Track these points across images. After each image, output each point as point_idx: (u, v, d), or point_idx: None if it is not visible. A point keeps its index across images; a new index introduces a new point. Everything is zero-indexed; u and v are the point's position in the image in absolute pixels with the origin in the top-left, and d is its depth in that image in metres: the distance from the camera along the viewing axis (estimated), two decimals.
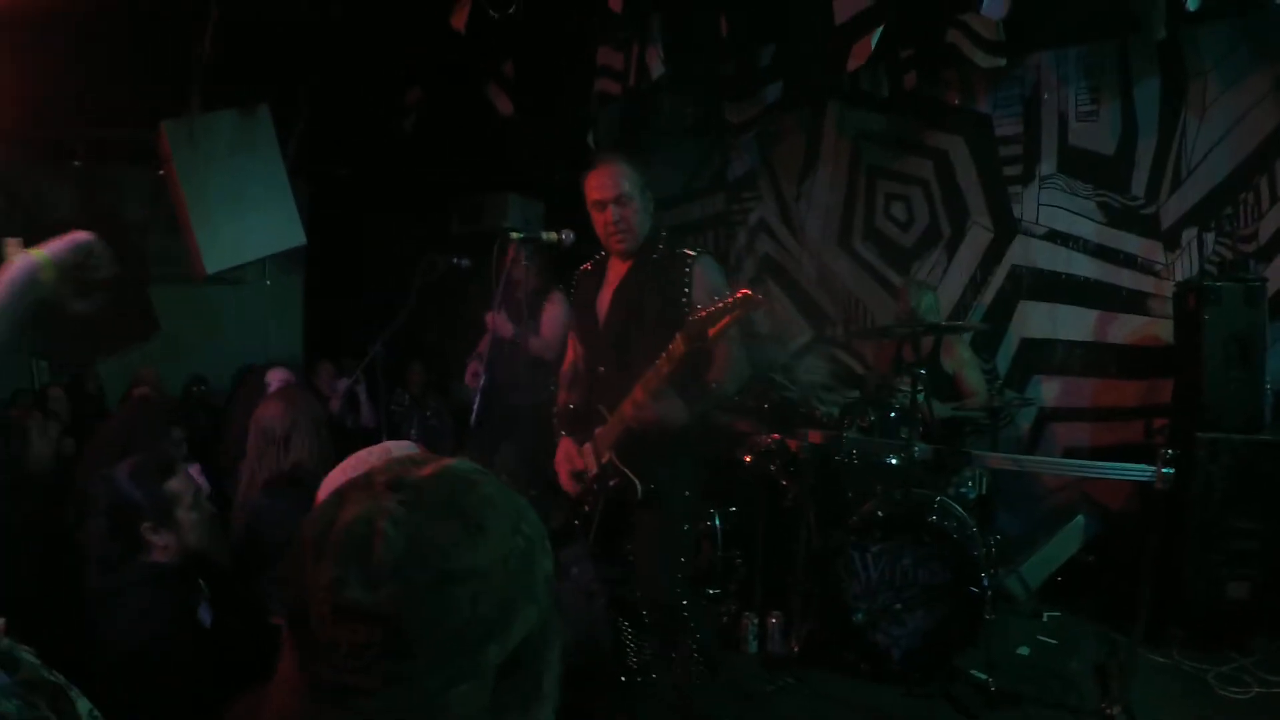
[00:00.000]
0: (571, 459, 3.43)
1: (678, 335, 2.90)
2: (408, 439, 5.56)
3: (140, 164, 6.42)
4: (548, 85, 6.08)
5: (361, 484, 0.88)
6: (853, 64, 4.99)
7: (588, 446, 3.37)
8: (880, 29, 4.75)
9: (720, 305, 2.81)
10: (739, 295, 2.81)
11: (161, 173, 5.95)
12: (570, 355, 3.67)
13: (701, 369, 3.18)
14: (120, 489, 2.49)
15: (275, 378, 5.48)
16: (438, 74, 6.37)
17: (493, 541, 0.85)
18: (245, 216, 6.12)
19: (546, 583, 0.91)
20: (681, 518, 3.32)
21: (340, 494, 0.88)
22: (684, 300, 3.15)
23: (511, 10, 4.82)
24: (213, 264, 6.05)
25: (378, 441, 1.93)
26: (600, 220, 3.29)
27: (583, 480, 3.39)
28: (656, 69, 5.44)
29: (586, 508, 3.40)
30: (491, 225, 6.69)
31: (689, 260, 3.23)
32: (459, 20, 5.12)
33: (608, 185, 3.24)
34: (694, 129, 7.03)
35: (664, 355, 2.96)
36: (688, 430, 3.15)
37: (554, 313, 4.95)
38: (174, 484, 2.55)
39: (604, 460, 3.30)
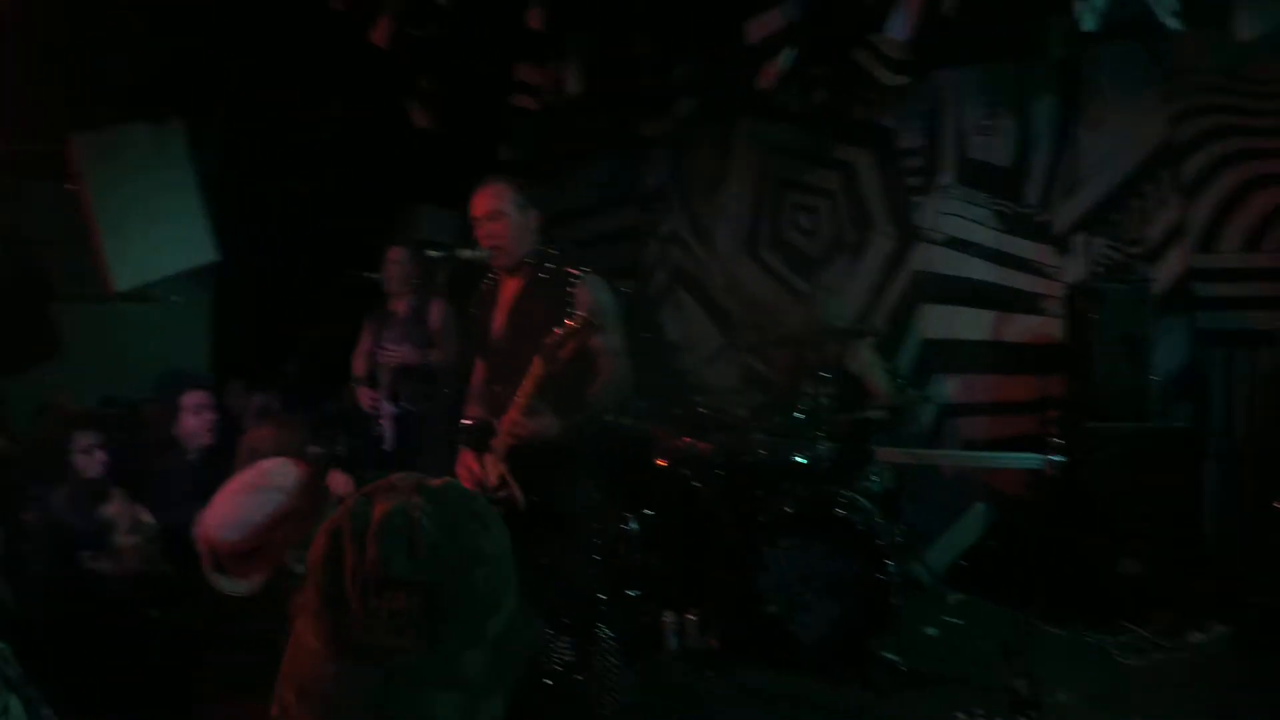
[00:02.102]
0: (472, 471, 3.52)
1: (535, 358, 3.10)
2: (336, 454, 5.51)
3: (46, 178, 6.28)
4: (465, 100, 6.15)
5: (386, 488, 1.11)
6: (764, 82, 5.18)
7: (487, 457, 3.46)
8: (790, 49, 4.94)
9: (565, 330, 3.05)
10: (578, 320, 3.07)
11: (71, 187, 5.84)
12: (479, 372, 3.78)
13: (583, 383, 3.33)
14: (56, 516, 2.47)
15: (190, 401, 5.35)
16: (356, 87, 6.38)
17: (494, 535, 1.11)
18: (157, 232, 6.05)
19: (516, 574, 1.15)
20: (583, 521, 3.55)
21: (368, 496, 1.10)
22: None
23: (431, 28, 4.89)
24: (124, 281, 5.96)
25: None
26: (478, 236, 3.48)
27: (484, 491, 3.48)
28: (572, 84, 5.55)
29: None
30: (404, 238, 6.68)
31: (573, 280, 3.41)
32: (379, 36, 5.16)
33: (481, 203, 3.45)
34: (608, 142, 7.16)
35: (529, 375, 3.13)
36: (579, 440, 3.36)
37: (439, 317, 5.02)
38: (110, 509, 2.52)
39: (498, 473, 3.41)
